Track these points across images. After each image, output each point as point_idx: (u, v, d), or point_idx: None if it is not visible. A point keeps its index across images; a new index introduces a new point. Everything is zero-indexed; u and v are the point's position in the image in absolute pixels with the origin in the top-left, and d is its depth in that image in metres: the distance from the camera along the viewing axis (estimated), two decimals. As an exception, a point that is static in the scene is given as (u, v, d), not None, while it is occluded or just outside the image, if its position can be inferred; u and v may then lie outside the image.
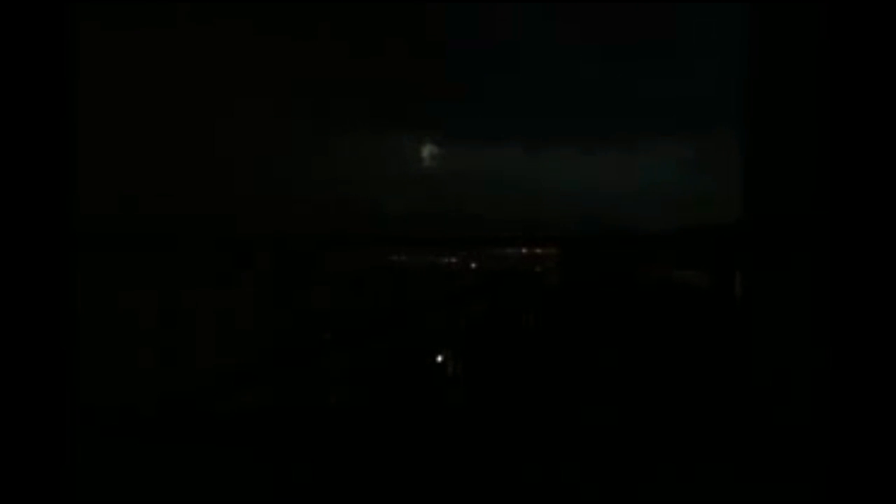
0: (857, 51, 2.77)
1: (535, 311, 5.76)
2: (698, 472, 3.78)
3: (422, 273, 6.09)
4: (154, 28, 5.52)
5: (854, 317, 2.65)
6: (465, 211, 6.28)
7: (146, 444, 4.29)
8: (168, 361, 5.04)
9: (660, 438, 4.21)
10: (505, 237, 6.24)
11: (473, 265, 6.19)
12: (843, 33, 2.82)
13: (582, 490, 3.79)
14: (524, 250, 6.20)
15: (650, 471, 3.89)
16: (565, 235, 5.98)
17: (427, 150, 6.87)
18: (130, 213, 5.37)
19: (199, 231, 5.56)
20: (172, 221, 5.53)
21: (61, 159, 2.53)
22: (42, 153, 2.49)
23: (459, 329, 5.67)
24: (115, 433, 4.25)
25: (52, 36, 2.51)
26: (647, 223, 5.83)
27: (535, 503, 3.76)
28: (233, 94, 5.89)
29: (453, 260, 6.21)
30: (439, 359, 5.50)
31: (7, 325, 2.42)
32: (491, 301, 5.88)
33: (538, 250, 6.14)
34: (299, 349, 5.48)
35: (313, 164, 6.30)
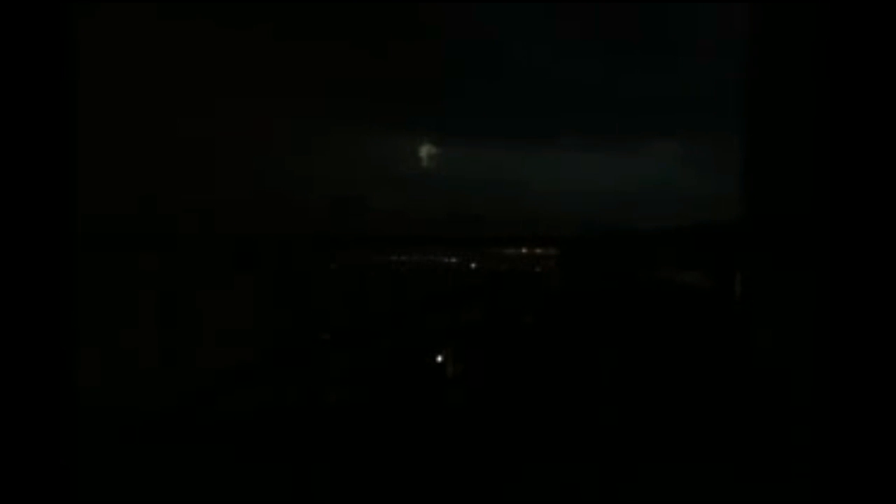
0: (857, 51, 2.77)
1: (535, 312, 5.76)
2: (698, 471, 3.78)
3: (422, 273, 6.10)
4: (154, 28, 5.52)
5: (854, 317, 2.65)
6: (464, 211, 6.28)
7: (146, 444, 4.29)
8: (168, 361, 5.04)
9: (660, 439, 4.21)
10: (505, 237, 6.24)
11: (473, 265, 6.19)
12: (843, 33, 2.82)
13: (582, 490, 3.79)
14: (524, 250, 6.20)
15: (651, 471, 3.89)
16: (565, 235, 5.98)
17: (426, 150, 6.87)
18: (131, 212, 5.37)
19: (199, 231, 5.56)
20: (172, 221, 5.53)
21: (61, 159, 2.53)
22: (42, 153, 2.49)
23: (459, 329, 5.67)
24: (116, 433, 4.25)
25: (52, 36, 2.51)
26: (647, 223, 5.83)
27: (536, 503, 3.76)
28: (232, 94, 5.89)
29: (453, 260, 6.21)
30: (439, 359, 5.50)
31: (7, 325, 2.42)
32: (491, 301, 5.88)
33: (538, 250, 6.14)
34: (299, 349, 5.48)
35: (313, 164, 6.29)
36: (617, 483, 3.83)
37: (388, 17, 6.21)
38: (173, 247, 5.41)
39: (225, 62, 5.83)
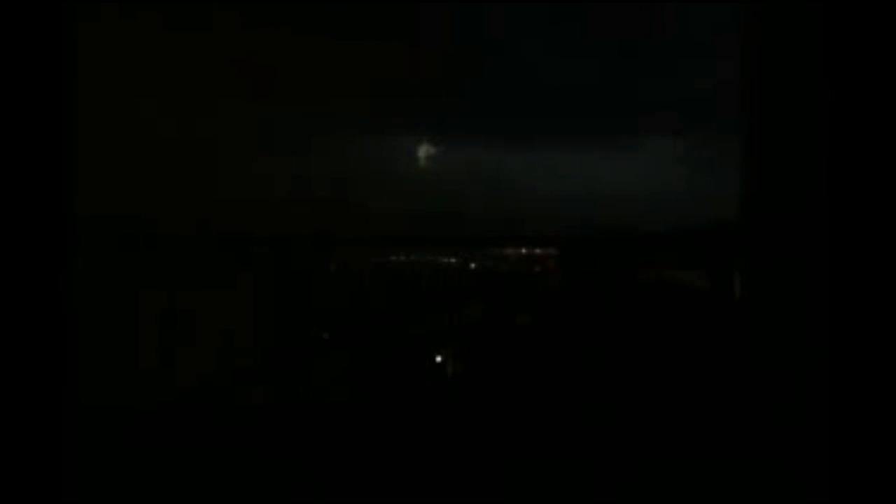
0: (857, 51, 2.77)
1: (534, 312, 5.76)
2: (698, 471, 3.78)
3: (421, 273, 6.09)
4: (156, 30, 5.52)
5: (853, 316, 2.65)
6: (464, 211, 6.28)
7: (146, 444, 4.29)
8: (168, 361, 5.05)
9: (660, 438, 4.21)
10: (505, 237, 6.24)
11: (473, 265, 6.19)
12: (843, 33, 2.82)
13: (582, 490, 3.79)
14: (524, 250, 6.20)
15: (650, 471, 3.89)
16: (565, 235, 5.98)
17: (424, 150, 6.87)
18: (130, 213, 5.37)
19: (199, 231, 5.56)
20: (172, 221, 5.53)
21: (61, 159, 2.53)
22: (42, 153, 2.49)
23: (459, 329, 5.67)
24: (116, 433, 4.25)
25: (52, 36, 2.51)
26: (647, 223, 5.83)
27: (536, 503, 3.76)
28: (232, 96, 5.89)
29: (452, 260, 6.21)
30: (439, 359, 5.50)
31: (7, 326, 2.42)
32: (490, 301, 5.88)
33: (538, 250, 6.14)
34: (299, 349, 5.48)
35: (313, 165, 6.30)
36: (617, 483, 3.83)
37: (389, 17, 6.21)
38: (173, 247, 5.42)
39: (226, 64, 5.83)
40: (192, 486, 3.80)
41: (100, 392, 4.30)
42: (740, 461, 3.68)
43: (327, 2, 6.08)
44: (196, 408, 4.93)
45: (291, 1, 6.02)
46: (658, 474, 3.84)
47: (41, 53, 2.49)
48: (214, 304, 5.24)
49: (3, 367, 2.42)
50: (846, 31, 2.81)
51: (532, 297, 5.87)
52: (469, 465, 4.04)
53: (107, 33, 5.05)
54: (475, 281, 6.12)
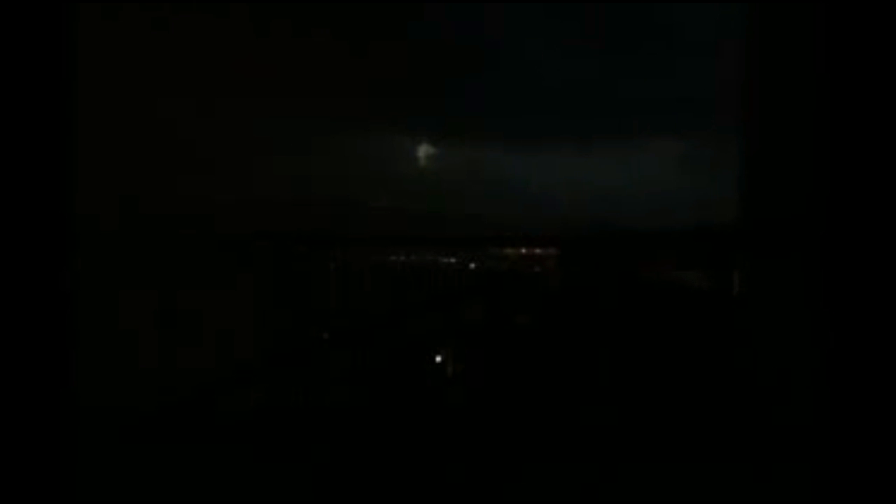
0: (857, 52, 2.77)
1: (534, 312, 5.76)
2: (697, 472, 3.78)
3: (421, 273, 6.09)
4: (155, 29, 5.52)
5: (853, 317, 2.65)
6: (464, 211, 6.29)
7: (146, 444, 4.29)
8: (168, 361, 5.05)
9: (660, 439, 4.21)
10: (505, 237, 6.24)
11: (473, 265, 6.19)
12: (843, 34, 2.82)
13: (582, 490, 3.80)
14: (524, 250, 6.20)
15: (650, 471, 3.89)
16: (565, 235, 5.98)
17: (423, 150, 6.87)
18: (130, 213, 5.37)
19: (199, 231, 5.56)
20: (172, 221, 5.53)
21: (61, 159, 2.53)
22: (42, 153, 2.49)
23: (459, 329, 5.67)
24: (115, 433, 4.25)
25: (52, 36, 2.51)
26: (647, 223, 5.84)
27: (536, 503, 3.76)
28: (232, 95, 5.89)
29: (453, 260, 6.21)
30: (439, 359, 5.50)
31: (7, 325, 2.42)
32: (490, 301, 5.88)
33: (538, 250, 6.13)
34: (299, 349, 5.49)
35: (313, 165, 6.29)
36: (617, 483, 3.83)
37: (389, 17, 6.21)
38: (173, 247, 5.42)
39: (225, 64, 5.83)
40: (192, 486, 3.80)
41: (100, 392, 4.29)
42: (740, 461, 3.69)
43: (328, 1, 6.08)
44: (196, 408, 4.93)
45: (292, 1, 6.02)
46: (658, 474, 3.84)
47: (41, 53, 2.49)
48: (214, 304, 5.24)
49: (2, 367, 2.42)
50: (847, 32, 2.81)
51: (532, 297, 5.86)
52: (469, 465, 4.04)
53: (106, 32, 5.05)
54: (475, 281, 6.11)
